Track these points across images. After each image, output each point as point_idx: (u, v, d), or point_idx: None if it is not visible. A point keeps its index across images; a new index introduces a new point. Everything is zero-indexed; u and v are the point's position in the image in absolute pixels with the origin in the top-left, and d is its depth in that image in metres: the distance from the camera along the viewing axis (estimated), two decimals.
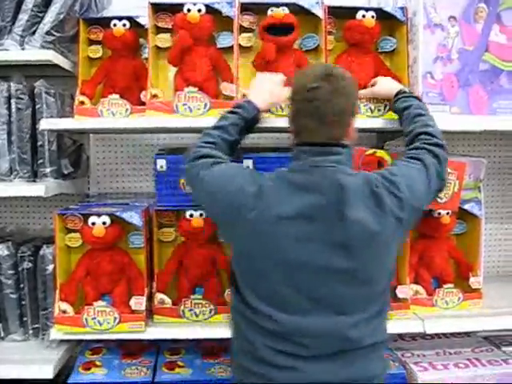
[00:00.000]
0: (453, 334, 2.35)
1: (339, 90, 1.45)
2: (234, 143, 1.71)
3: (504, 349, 2.24)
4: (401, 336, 2.33)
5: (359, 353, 1.46)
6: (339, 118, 1.47)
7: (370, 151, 1.90)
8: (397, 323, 1.99)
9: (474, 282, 2.14)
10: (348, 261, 1.42)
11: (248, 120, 1.73)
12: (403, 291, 2.02)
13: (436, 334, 2.33)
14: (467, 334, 2.34)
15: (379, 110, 1.99)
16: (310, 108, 1.45)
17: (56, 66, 2.03)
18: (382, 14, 2.06)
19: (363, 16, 2.03)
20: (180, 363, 2.08)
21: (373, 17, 2.03)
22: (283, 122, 1.90)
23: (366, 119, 1.97)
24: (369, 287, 1.47)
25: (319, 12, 2.02)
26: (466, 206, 2.11)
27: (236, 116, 1.72)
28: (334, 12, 2.07)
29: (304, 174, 1.47)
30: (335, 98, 1.44)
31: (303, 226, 1.41)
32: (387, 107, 1.98)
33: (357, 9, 2.04)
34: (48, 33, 1.99)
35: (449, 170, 1.95)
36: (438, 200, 1.98)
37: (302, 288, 1.43)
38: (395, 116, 1.93)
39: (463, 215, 2.16)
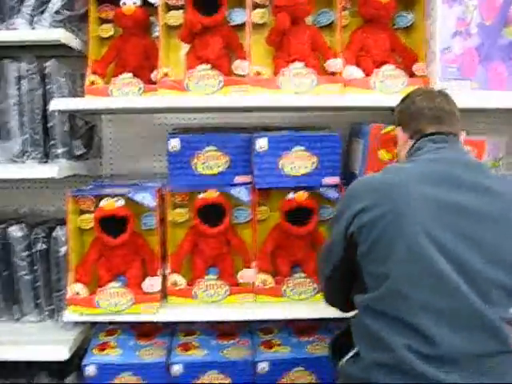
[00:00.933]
0: None
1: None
2: None
3: None
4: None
5: None
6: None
7: (388, 129, 1.85)
8: None
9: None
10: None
11: None
12: None
13: None
14: None
15: (396, 86, 1.94)
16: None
17: (66, 45, 2.00)
18: None
19: None
20: (195, 344, 2.07)
21: None
22: (297, 101, 1.89)
23: (381, 96, 1.93)
24: None
25: None
26: None
27: None
28: None
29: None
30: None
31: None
32: (404, 83, 1.93)
33: None
34: (57, 12, 1.96)
35: (468, 148, 1.92)
36: None
37: None
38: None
39: None
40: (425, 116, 1.55)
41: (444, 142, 1.51)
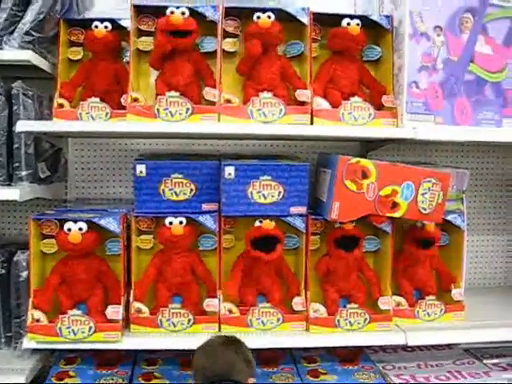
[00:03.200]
0: (434, 346, 2.34)
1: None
2: None
3: (485, 361, 2.23)
4: (381, 347, 2.31)
5: None
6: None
7: (354, 160, 1.87)
8: (379, 335, 1.97)
9: (455, 293, 2.12)
10: None
11: None
12: (385, 302, 2.00)
13: (417, 346, 2.31)
14: (449, 346, 2.33)
15: (363, 119, 1.97)
16: None
17: (35, 67, 1.98)
18: (367, 22, 2.04)
19: (348, 24, 2.01)
20: (157, 374, 2.03)
21: (358, 24, 2.01)
22: (266, 129, 1.90)
23: (349, 127, 1.96)
24: None
25: (304, 19, 1.99)
26: (449, 217, 2.09)
27: None
28: (319, 19, 2.05)
29: None
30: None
31: None
32: (371, 116, 1.97)
33: (342, 16, 2.02)
34: (27, 33, 1.93)
35: (434, 181, 1.95)
36: (422, 211, 1.96)
37: None
38: (380, 124, 1.92)
39: (446, 226, 2.14)
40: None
41: None
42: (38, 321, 1.85)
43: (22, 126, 1.89)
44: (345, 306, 1.98)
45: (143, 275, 1.97)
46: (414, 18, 1.98)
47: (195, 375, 1.64)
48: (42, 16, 1.96)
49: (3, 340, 2.02)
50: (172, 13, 1.90)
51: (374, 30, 2.09)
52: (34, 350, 1.96)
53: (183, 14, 1.91)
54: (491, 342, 2.26)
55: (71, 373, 2.01)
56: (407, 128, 1.96)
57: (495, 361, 2.23)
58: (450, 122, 2.02)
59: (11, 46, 1.92)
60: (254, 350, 1.97)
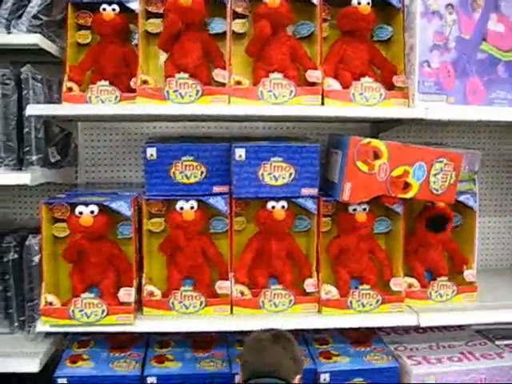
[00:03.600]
0: (446, 328, 2.34)
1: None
2: None
3: (498, 342, 2.23)
4: (393, 329, 2.31)
5: None
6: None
7: (365, 141, 1.86)
8: (391, 316, 1.97)
9: (468, 275, 2.11)
10: None
11: None
12: (397, 283, 2.00)
13: (429, 327, 2.30)
14: (460, 327, 2.33)
15: (374, 99, 1.95)
16: None
17: (43, 51, 1.97)
18: (377, 1, 2.01)
19: (359, 3, 1.98)
20: (169, 356, 2.04)
21: (368, 4, 1.98)
22: (276, 110, 1.89)
23: (360, 107, 1.94)
24: None
25: None
26: (461, 198, 2.08)
27: None
28: None
29: None
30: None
31: None
32: (382, 96, 1.95)
33: None
34: (35, 16, 1.93)
35: (446, 161, 1.94)
36: (434, 192, 1.95)
37: None
38: (391, 104, 1.90)
39: (458, 207, 2.13)
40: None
41: None
42: (51, 304, 1.86)
43: (31, 109, 1.89)
44: (357, 288, 1.97)
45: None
46: None
47: (242, 369, 1.65)
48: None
49: (17, 324, 2.04)
50: None
51: (385, 9, 2.06)
52: (48, 334, 1.98)
53: None
54: (503, 323, 2.25)
55: (84, 356, 2.02)
56: (419, 108, 1.94)
57: (507, 342, 2.23)
58: (462, 102, 2.00)
59: (19, 30, 1.93)
60: None
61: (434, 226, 2.06)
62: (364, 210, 1.97)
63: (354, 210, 1.97)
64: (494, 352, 2.13)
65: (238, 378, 1.73)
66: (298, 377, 1.64)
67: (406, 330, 2.30)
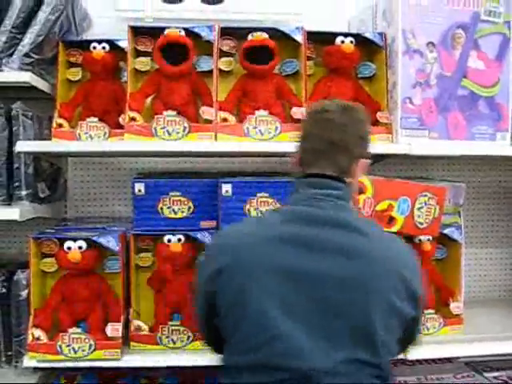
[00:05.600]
0: (434, 360, 2.34)
1: (354, 119, 1.42)
2: None
3: (486, 374, 2.24)
4: None
5: None
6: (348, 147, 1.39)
7: None
8: None
9: (454, 307, 2.12)
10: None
11: None
12: None
13: (417, 360, 2.30)
14: (448, 359, 2.33)
15: None
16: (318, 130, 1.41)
17: (34, 88, 2.00)
18: (361, 40, 2.08)
19: (342, 41, 2.04)
20: None
21: (352, 42, 2.04)
22: (262, 147, 1.92)
23: None
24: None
25: (299, 37, 2.03)
26: (446, 231, 2.10)
27: None
28: (314, 37, 2.08)
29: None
30: (350, 125, 1.40)
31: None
32: None
33: (336, 34, 2.06)
34: (26, 55, 1.96)
35: (429, 195, 1.97)
36: (418, 225, 1.98)
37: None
38: (375, 140, 1.95)
39: (443, 240, 2.15)
40: (310, 151, 1.44)
41: (324, 191, 1.38)
42: (38, 339, 1.86)
43: (21, 146, 1.92)
44: None
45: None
46: (407, 35, 2.02)
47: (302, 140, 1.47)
48: (41, 38, 1.99)
49: (4, 359, 2.03)
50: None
51: (368, 47, 2.12)
52: (35, 368, 1.97)
53: (180, 31, 1.95)
54: (491, 355, 2.26)
55: None
56: (402, 143, 1.99)
57: (495, 374, 2.24)
58: (445, 137, 2.05)
59: (11, 68, 1.95)
60: None
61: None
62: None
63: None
64: None
65: None
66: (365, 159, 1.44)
67: (394, 363, 2.30)
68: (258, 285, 1.30)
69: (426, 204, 1.99)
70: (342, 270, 1.29)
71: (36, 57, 1.99)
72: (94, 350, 1.86)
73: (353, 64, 2.10)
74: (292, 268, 1.30)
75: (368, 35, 2.10)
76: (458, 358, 2.33)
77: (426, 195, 1.99)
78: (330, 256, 1.30)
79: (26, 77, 1.94)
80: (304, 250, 1.31)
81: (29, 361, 1.87)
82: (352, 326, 1.28)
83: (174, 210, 1.97)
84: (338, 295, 1.29)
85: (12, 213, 1.89)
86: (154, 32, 2.02)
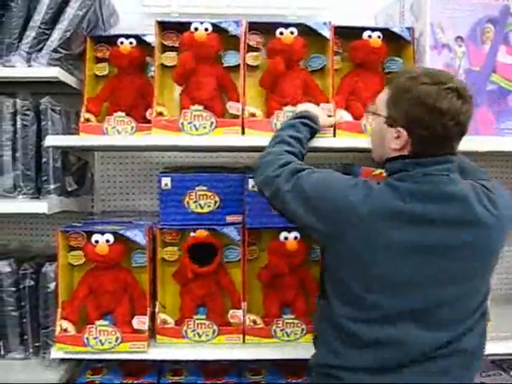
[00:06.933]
0: None
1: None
2: (303, 158, 1.71)
3: None
4: None
5: None
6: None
7: (377, 171, 1.88)
8: None
9: None
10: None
11: (312, 136, 1.78)
12: None
13: None
14: None
15: None
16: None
17: (62, 83, 2.03)
18: (388, 34, 2.06)
19: (369, 36, 2.03)
20: None
21: (379, 37, 2.02)
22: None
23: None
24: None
25: (327, 32, 2.02)
26: None
27: (308, 130, 1.76)
28: (341, 32, 2.07)
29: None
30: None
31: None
32: None
33: (363, 29, 2.04)
34: (55, 50, 1.99)
35: None
36: None
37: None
38: None
39: None
40: (449, 131, 1.43)
41: (447, 169, 1.46)
42: (65, 331, 1.88)
43: (50, 140, 1.94)
44: None
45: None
46: (435, 30, 1.99)
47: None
48: (69, 34, 2.01)
49: (31, 350, 2.07)
50: (196, 29, 1.94)
51: (395, 42, 2.10)
52: (62, 360, 2.00)
53: (206, 30, 1.95)
54: None
55: (97, 382, 2.04)
56: None
57: None
58: (473, 133, 2.01)
59: (40, 64, 1.97)
60: (276, 361, 2.00)
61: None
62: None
63: None
64: (508, 383, 2.12)
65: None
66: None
67: None
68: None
69: None
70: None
71: (64, 52, 2.01)
72: (121, 342, 1.88)
73: (380, 59, 2.08)
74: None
75: (396, 30, 2.08)
76: (485, 356, 2.30)
77: None
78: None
79: (55, 72, 1.96)
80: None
81: (56, 352, 1.90)
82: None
83: (200, 205, 1.98)
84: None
85: (40, 206, 1.91)
86: (180, 27, 2.02)
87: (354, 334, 1.46)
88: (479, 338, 1.52)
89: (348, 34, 2.07)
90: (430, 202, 1.41)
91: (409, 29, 2.08)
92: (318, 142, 1.91)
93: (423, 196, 1.42)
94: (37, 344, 2.06)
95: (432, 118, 1.40)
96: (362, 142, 1.93)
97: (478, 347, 1.52)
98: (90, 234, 1.91)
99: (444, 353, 1.43)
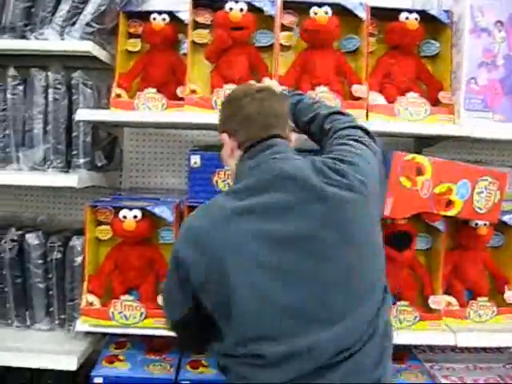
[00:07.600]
0: (483, 349, 2.29)
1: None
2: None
3: None
4: (430, 347, 2.28)
5: None
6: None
7: (409, 156, 1.85)
8: (428, 334, 1.94)
9: (509, 296, 2.06)
10: None
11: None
12: (436, 301, 1.97)
13: (466, 348, 2.26)
14: (498, 349, 2.28)
15: (419, 114, 1.94)
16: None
17: (94, 57, 2.03)
18: (425, 17, 2.01)
19: (406, 18, 1.99)
20: (204, 362, 2.05)
21: (416, 19, 1.98)
22: None
23: (405, 123, 1.93)
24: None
25: (362, 13, 1.98)
26: (505, 218, 2.04)
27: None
28: (377, 13, 2.03)
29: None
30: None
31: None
32: (427, 111, 1.94)
33: (400, 10, 2.00)
34: (88, 24, 1.99)
35: (490, 180, 1.91)
36: (477, 210, 1.92)
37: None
38: (436, 120, 1.89)
39: (501, 227, 2.09)
40: (255, 122, 1.45)
41: (275, 151, 1.42)
42: (91, 304, 1.90)
43: (81, 114, 1.95)
44: (394, 304, 1.95)
45: None
46: (475, 13, 1.94)
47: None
48: (102, 8, 2.01)
49: (57, 322, 2.10)
50: (231, 9, 1.92)
51: (433, 24, 2.05)
52: (86, 333, 2.02)
53: (241, 10, 1.93)
54: None
55: (121, 357, 2.05)
56: (464, 125, 1.92)
57: None
58: (509, 120, 1.97)
59: (73, 37, 1.98)
60: None
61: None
62: None
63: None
64: None
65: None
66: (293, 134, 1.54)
67: (442, 348, 2.27)
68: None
69: (486, 189, 1.92)
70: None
71: (97, 26, 2.01)
72: (145, 317, 1.89)
73: (416, 41, 2.04)
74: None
75: (433, 12, 2.03)
76: (509, 347, 2.28)
77: (486, 179, 1.92)
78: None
79: (88, 46, 1.97)
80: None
81: (81, 325, 1.93)
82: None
83: (228, 184, 1.97)
84: None
85: (70, 179, 1.93)
86: (214, 4, 2.00)
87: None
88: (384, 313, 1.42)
89: (384, 15, 2.03)
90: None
91: (447, 11, 2.03)
92: None
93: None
94: (62, 316, 2.09)
95: None
96: (395, 125, 1.90)
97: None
98: (118, 209, 1.92)
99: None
